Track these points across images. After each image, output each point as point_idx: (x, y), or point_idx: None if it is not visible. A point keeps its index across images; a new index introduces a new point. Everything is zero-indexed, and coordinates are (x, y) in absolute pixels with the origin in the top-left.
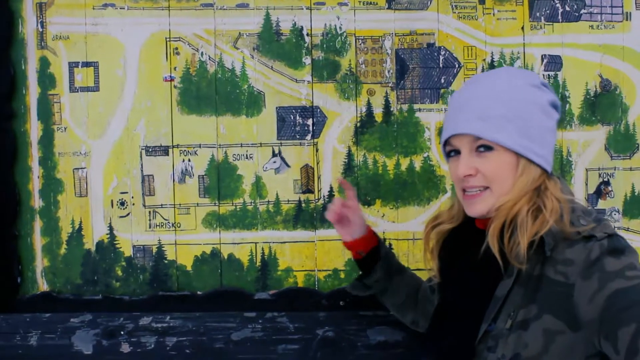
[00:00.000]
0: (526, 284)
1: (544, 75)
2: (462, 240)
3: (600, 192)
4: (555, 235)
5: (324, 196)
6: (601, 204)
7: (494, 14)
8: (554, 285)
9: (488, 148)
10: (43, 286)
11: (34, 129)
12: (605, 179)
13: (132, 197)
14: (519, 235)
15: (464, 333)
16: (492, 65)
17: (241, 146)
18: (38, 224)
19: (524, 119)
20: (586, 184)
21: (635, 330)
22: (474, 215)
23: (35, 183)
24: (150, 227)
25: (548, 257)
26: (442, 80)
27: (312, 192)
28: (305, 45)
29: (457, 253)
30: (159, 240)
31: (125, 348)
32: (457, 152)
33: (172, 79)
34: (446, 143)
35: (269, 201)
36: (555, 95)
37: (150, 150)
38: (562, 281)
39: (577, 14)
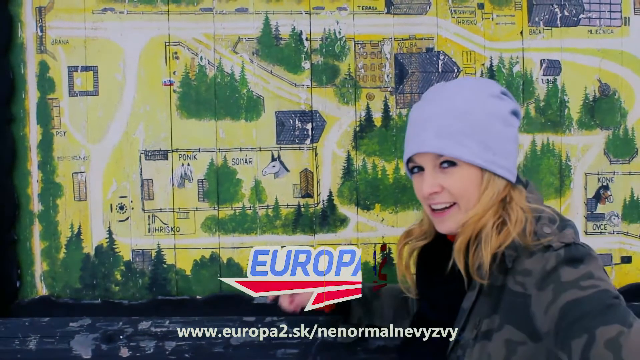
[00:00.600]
0: (490, 294)
1: (542, 79)
2: (435, 253)
3: (600, 196)
4: (517, 247)
5: (323, 200)
6: (600, 209)
7: (492, 19)
8: (514, 296)
9: (451, 164)
10: (42, 290)
11: (33, 133)
12: (605, 184)
13: (131, 202)
14: (482, 250)
15: (437, 343)
16: (491, 70)
17: (240, 150)
18: (37, 228)
19: (484, 132)
20: (585, 189)
21: (587, 342)
22: (444, 232)
23: (35, 187)
24: (149, 232)
25: (510, 268)
26: None
27: (311, 196)
28: (305, 49)
29: (431, 266)
30: (158, 244)
31: (125, 352)
32: (421, 168)
33: (171, 83)
34: (409, 160)
35: (268, 205)
36: (515, 102)
37: (149, 154)
38: (520, 292)
39: (575, 19)
